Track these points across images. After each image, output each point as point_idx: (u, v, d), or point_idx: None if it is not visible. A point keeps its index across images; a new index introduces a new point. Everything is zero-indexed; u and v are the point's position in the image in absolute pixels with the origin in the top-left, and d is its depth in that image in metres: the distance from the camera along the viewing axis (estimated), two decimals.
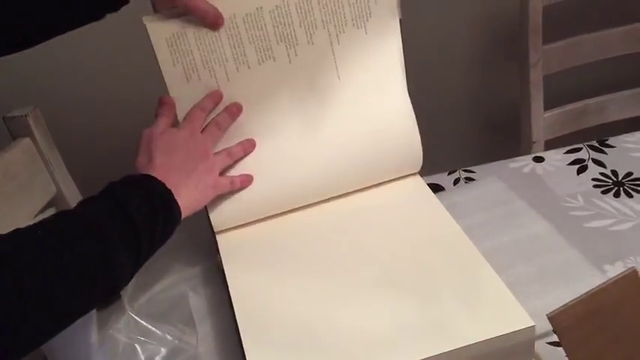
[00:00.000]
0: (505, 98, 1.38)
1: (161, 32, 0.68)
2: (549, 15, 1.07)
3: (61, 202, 0.79)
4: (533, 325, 0.58)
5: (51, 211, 0.77)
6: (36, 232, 0.52)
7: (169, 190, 0.63)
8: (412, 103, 0.80)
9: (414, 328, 0.59)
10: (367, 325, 0.60)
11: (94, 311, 0.64)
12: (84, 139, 1.03)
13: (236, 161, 0.73)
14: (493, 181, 0.87)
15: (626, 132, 0.95)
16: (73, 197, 0.80)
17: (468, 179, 0.89)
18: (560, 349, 0.64)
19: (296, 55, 0.72)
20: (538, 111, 1.12)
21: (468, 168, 0.91)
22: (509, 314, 0.59)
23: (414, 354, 0.57)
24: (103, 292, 0.56)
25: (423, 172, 0.83)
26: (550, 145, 1.09)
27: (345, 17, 0.73)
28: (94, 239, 0.54)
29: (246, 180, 0.73)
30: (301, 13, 0.71)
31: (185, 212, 0.65)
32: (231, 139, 0.73)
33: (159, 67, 0.69)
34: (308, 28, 0.72)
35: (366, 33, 0.74)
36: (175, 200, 0.63)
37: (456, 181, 0.89)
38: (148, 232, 0.59)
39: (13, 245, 0.50)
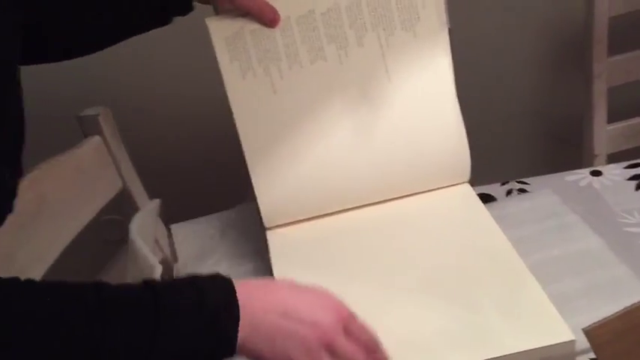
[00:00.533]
0: (569, 109, 1.36)
1: (221, 32, 0.73)
2: (615, 26, 1.05)
3: (126, 197, 0.84)
4: (574, 340, 0.58)
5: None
6: (30, 303, 0.46)
7: (233, 315, 0.49)
8: (472, 111, 0.81)
9: (451, 334, 0.60)
10: (405, 328, 0.61)
11: None
12: (150, 137, 1.09)
13: None
14: (546, 194, 0.86)
15: None
16: (137, 192, 0.85)
17: (521, 191, 0.89)
18: None
19: (347, 56, 0.75)
20: (601, 123, 1.10)
21: (521, 179, 0.91)
22: (549, 327, 0.59)
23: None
24: None
25: (478, 182, 0.84)
26: (612, 159, 1.07)
27: (393, 21, 0.75)
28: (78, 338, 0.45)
29: None
30: (351, 15, 0.74)
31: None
32: (285, 134, 0.76)
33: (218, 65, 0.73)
34: (358, 31, 0.75)
35: (415, 37, 0.76)
36: (233, 327, 0.49)
37: (509, 192, 0.89)
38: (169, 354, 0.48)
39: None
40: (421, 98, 0.78)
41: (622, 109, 1.12)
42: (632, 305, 0.49)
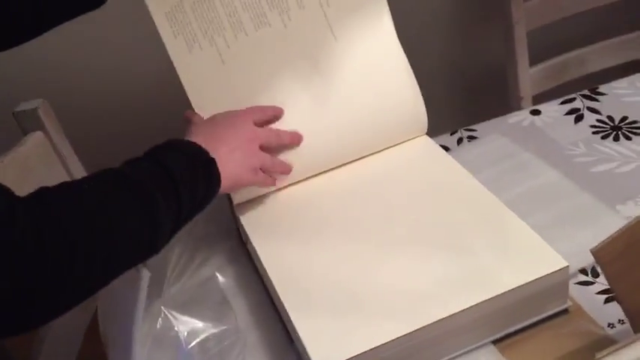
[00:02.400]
0: (483, 60, 1.41)
1: (160, 7, 0.71)
2: None
3: None
4: (567, 265, 0.60)
5: None
6: (82, 186, 0.54)
7: (212, 159, 0.64)
8: None
9: (452, 280, 0.61)
10: (407, 281, 0.62)
11: (140, 304, 0.63)
12: (89, 129, 1.02)
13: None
14: (496, 137, 0.89)
15: (604, 82, 0.97)
16: None
17: (471, 138, 0.91)
18: (590, 287, 0.67)
19: (290, 20, 0.75)
20: (524, 67, 1.15)
21: (469, 127, 0.93)
22: (542, 258, 0.62)
23: (458, 305, 0.59)
24: (143, 248, 0.57)
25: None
26: (537, 100, 1.12)
27: None
28: (138, 197, 0.55)
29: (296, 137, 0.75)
30: None
31: (224, 184, 0.65)
32: (242, 106, 0.73)
33: (161, 40, 0.71)
34: None
35: None
36: (217, 169, 0.64)
37: (460, 141, 0.91)
38: (189, 196, 0.59)
39: (61, 197, 0.51)
40: (369, 54, 0.78)
41: (537, 52, 1.17)
42: (628, 224, 0.52)
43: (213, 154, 0.64)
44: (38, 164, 0.72)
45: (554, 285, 0.61)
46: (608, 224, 0.71)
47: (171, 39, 0.72)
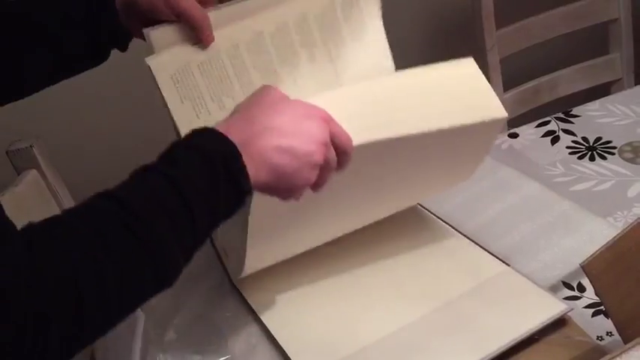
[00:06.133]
0: None
1: (165, 70, 0.64)
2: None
3: None
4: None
5: None
6: (73, 224, 0.49)
7: (240, 164, 0.51)
8: None
9: None
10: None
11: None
12: (81, 166, 1.02)
13: None
14: None
15: (574, 104, 1.02)
16: None
17: None
18: (577, 302, 0.70)
19: (301, 77, 0.70)
20: (498, 93, 1.18)
21: None
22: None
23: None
24: (151, 288, 0.51)
25: None
26: (511, 124, 1.16)
27: (341, 33, 0.71)
28: (137, 237, 0.48)
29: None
30: (300, 34, 0.69)
31: (265, 178, 0.53)
32: None
33: (161, 101, 0.64)
34: (308, 48, 0.70)
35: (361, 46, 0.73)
36: (245, 172, 0.51)
37: None
38: (206, 213, 0.51)
39: (52, 238, 0.48)
40: None
41: (510, 77, 1.22)
42: (615, 237, 0.55)
43: (249, 146, 0.52)
44: (33, 203, 0.72)
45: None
46: (592, 230, 0.76)
47: (178, 104, 0.64)
